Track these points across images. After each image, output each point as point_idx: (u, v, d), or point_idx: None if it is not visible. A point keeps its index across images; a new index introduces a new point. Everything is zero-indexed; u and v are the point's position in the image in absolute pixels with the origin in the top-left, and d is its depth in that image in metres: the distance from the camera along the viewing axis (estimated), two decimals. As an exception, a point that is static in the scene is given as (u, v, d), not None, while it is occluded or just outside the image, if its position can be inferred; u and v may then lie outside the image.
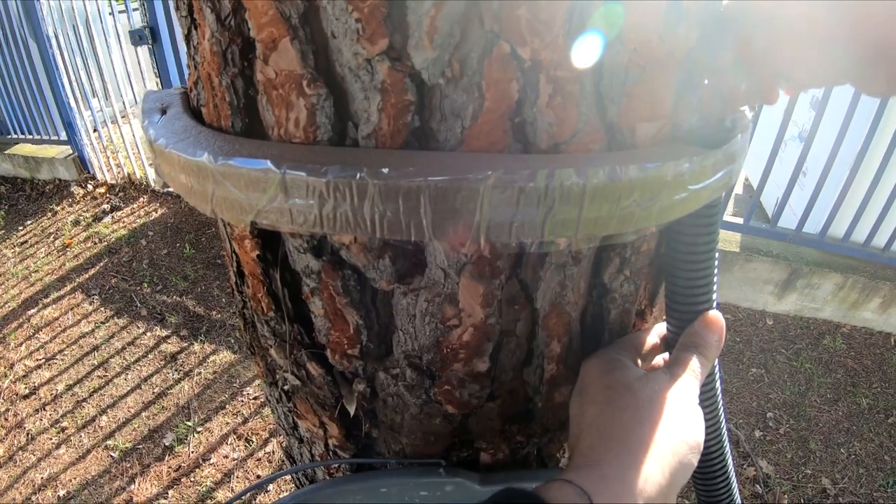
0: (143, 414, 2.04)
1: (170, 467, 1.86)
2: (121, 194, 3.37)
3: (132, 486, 1.81)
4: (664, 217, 0.29)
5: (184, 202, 3.15)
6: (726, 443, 0.43)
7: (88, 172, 3.53)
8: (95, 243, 2.98)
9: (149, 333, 2.37)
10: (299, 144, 0.29)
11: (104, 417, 2.04)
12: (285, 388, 0.45)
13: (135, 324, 2.43)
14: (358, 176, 0.24)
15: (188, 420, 2.00)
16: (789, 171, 2.22)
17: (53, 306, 2.58)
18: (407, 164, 0.24)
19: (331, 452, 0.48)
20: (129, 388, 2.14)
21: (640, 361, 0.39)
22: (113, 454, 1.91)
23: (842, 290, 2.28)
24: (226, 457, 1.89)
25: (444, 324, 0.34)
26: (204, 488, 1.79)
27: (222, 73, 0.30)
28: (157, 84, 2.85)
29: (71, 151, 3.48)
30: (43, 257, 2.95)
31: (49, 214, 3.32)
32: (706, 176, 0.31)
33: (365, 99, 0.27)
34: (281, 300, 0.37)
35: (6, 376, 2.24)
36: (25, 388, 2.18)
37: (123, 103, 3.22)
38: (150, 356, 2.27)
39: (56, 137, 3.50)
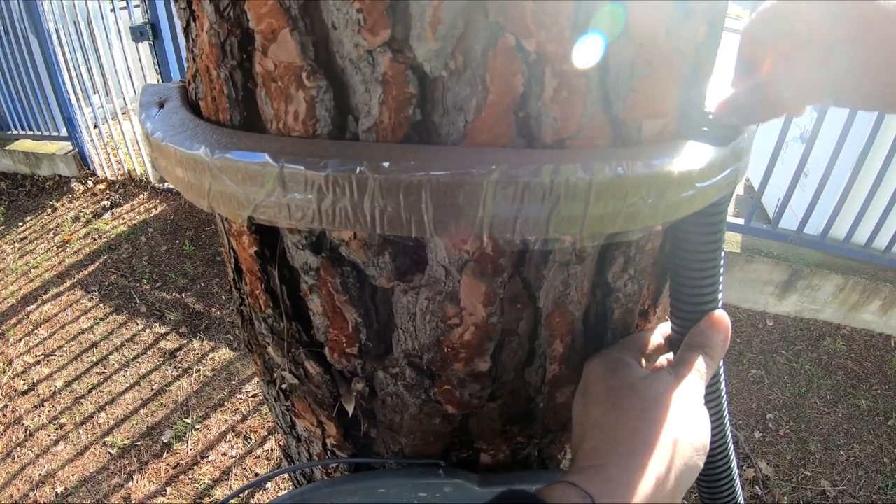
0: (142, 411, 2.04)
1: (168, 464, 1.86)
2: (121, 191, 3.36)
3: (130, 484, 1.81)
4: (671, 215, 0.29)
5: (183, 199, 3.14)
6: (731, 444, 0.42)
7: (88, 169, 3.52)
8: (95, 240, 2.98)
9: (148, 330, 2.37)
10: (298, 138, 0.28)
11: (102, 414, 2.03)
12: (283, 386, 0.44)
13: (134, 320, 2.42)
14: (358, 170, 0.24)
15: (187, 417, 2.00)
16: (791, 172, 2.21)
17: (53, 302, 2.57)
18: (408, 157, 0.24)
19: (329, 452, 0.47)
20: (127, 385, 2.13)
21: (644, 361, 0.39)
22: (111, 451, 1.91)
23: (842, 292, 2.28)
24: (224, 454, 1.88)
25: (445, 322, 0.33)
26: (202, 486, 1.79)
27: (220, 66, 0.30)
28: (158, 80, 2.84)
29: (71, 147, 3.48)
30: (42, 253, 2.94)
31: (49, 210, 3.31)
32: (713, 173, 0.31)
33: (366, 92, 0.26)
34: (279, 297, 0.36)
35: (5, 372, 2.23)
36: (24, 384, 2.18)
37: (124, 99, 3.21)
38: (149, 353, 2.26)
39: (56, 133, 3.49)
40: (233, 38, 0.29)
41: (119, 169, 3.45)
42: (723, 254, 0.36)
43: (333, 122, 0.28)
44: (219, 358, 2.22)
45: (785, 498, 1.76)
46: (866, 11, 0.26)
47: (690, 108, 0.31)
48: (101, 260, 2.82)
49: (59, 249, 2.95)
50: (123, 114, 3.27)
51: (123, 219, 3.12)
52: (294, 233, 0.33)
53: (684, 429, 0.32)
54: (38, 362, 2.27)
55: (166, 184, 3.29)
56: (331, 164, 0.24)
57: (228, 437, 1.93)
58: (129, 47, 2.94)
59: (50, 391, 2.14)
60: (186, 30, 0.34)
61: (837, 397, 2.08)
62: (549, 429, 0.43)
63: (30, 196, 3.51)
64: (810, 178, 2.32)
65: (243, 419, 1.99)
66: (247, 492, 1.74)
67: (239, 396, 2.07)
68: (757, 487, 1.79)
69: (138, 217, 3.12)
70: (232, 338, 2.30)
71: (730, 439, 0.42)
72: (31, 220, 3.26)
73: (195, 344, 2.29)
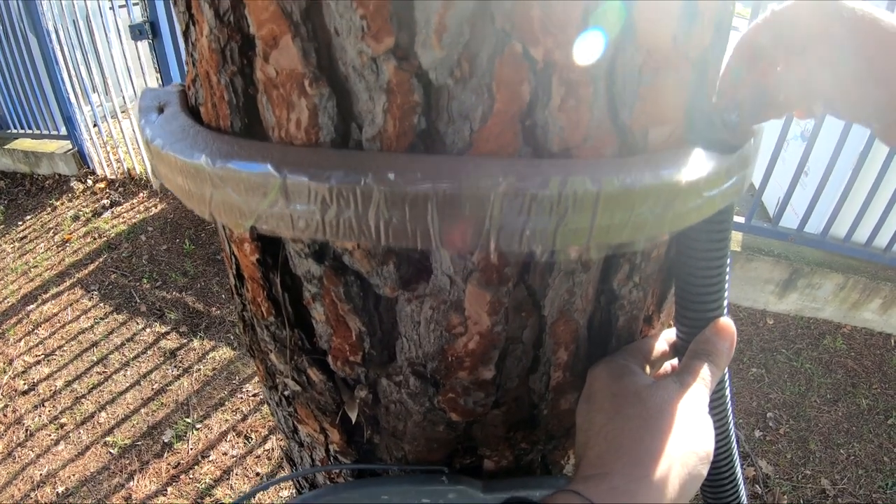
0: (142, 410, 2.04)
1: (169, 464, 1.86)
2: (120, 189, 3.35)
3: (131, 483, 1.81)
4: (677, 224, 0.28)
5: (183, 198, 3.13)
6: (735, 451, 0.42)
7: (88, 167, 3.51)
8: (95, 239, 2.97)
9: (148, 330, 2.37)
10: (301, 147, 0.28)
11: (103, 414, 2.03)
12: (285, 392, 0.44)
13: (134, 320, 2.42)
14: (362, 181, 0.23)
15: (187, 417, 1.99)
16: (791, 170, 2.20)
17: (53, 302, 2.57)
18: (414, 168, 0.23)
19: (332, 457, 0.47)
20: (128, 385, 2.13)
21: (648, 368, 0.39)
22: (112, 451, 1.91)
23: (843, 291, 2.28)
24: (225, 454, 1.88)
25: (450, 331, 0.33)
26: (203, 485, 1.79)
27: (221, 72, 0.29)
28: (158, 79, 2.83)
29: (71, 146, 3.47)
30: (42, 253, 2.94)
31: (48, 209, 3.30)
32: (720, 182, 0.30)
33: (369, 99, 0.26)
34: (281, 305, 0.36)
35: (5, 372, 2.23)
36: (24, 384, 2.18)
37: (123, 98, 3.20)
38: (150, 352, 2.26)
39: (56, 132, 3.48)
40: (233, 43, 0.28)
41: (119, 168, 3.44)
42: (729, 260, 0.36)
43: (336, 131, 0.27)
44: (219, 357, 2.22)
45: (785, 497, 1.76)
46: (862, 19, 0.27)
47: (696, 115, 0.31)
48: (101, 259, 2.82)
49: (59, 248, 2.95)
50: (123, 112, 3.26)
51: (123, 218, 3.12)
52: (297, 241, 0.32)
53: (688, 438, 0.32)
54: (38, 362, 2.27)
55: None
56: (335, 175, 0.24)
57: (229, 436, 1.93)
58: (129, 46, 2.93)
59: (50, 391, 2.14)
60: (186, 34, 0.33)
61: (837, 396, 2.08)
62: (552, 435, 0.43)
63: (29, 195, 3.50)
64: (811, 177, 2.32)
65: (244, 418, 1.99)
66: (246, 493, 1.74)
67: (240, 396, 2.07)
68: (757, 486, 1.79)
69: (138, 216, 3.12)
70: (232, 337, 2.30)
71: (735, 446, 0.42)
72: (31, 219, 3.26)
73: (195, 343, 2.28)
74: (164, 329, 2.36)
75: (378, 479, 0.44)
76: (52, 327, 2.42)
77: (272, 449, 1.89)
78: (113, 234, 2.99)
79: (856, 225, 2.18)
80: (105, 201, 3.26)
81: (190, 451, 1.89)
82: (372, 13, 0.24)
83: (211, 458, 1.87)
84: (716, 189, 0.30)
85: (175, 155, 0.29)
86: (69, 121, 3.33)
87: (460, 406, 0.37)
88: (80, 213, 3.21)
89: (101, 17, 2.90)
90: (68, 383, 2.16)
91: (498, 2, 0.23)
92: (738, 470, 0.42)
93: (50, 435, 1.98)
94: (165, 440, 1.93)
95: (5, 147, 3.61)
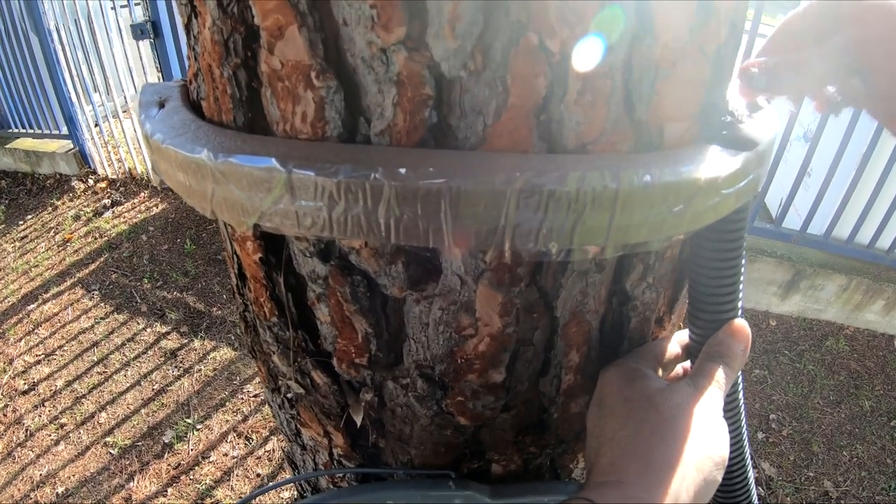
0: (143, 411, 2.03)
1: (169, 465, 1.85)
2: (121, 189, 3.35)
3: (131, 484, 1.80)
4: (695, 223, 0.28)
5: (184, 198, 3.12)
6: (748, 455, 0.41)
7: (89, 167, 3.50)
8: (96, 238, 2.96)
9: (149, 330, 2.36)
10: (307, 141, 0.27)
11: (103, 414, 2.02)
12: (288, 395, 0.43)
13: (135, 320, 2.41)
14: (372, 176, 0.22)
15: (188, 417, 1.99)
16: (794, 171, 2.20)
17: (53, 301, 2.56)
18: (426, 163, 0.22)
19: (335, 461, 0.46)
20: (128, 385, 2.12)
21: (660, 371, 0.38)
22: (112, 451, 1.90)
23: (845, 292, 2.27)
24: (226, 455, 1.87)
25: (459, 333, 0.32)
26: (203, 486, 1.78)
27: (224, 64, 0.28)
28: (159, 78, 2.83)
29: (72, 146, 3.46)
30: (43, 252, 2.93)
31: (49, 209, 3.30)
32: (738, 179, 0.29)
33: (379, 92, 0.25)
34: (285, 305, 0.35)
35: (5, 372, 2.22)
36: (24, 383, 2.17)
37: (125, 98, 3.20)
38: (150, 352, 2.25)
39: (57, 132, 3.48)
40: (237, 35, 0.28)
41: (120, 167, 3.43)
42: (744, 261, 0.35)
43: (344, 125, 0.26)
44: (220, 357, 2.21)
45: (788, 499, 1.75)
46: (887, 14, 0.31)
47: (712, 112, 0.30)
48: (102, 259, 2.81)
49: (60, 248, 2.94)
50: (124, 112, 3.26)
51: (124, 217, 3.11)
52: (301, 240, 0.31)
53: (703, 443, 0.31)
54: (38, 362, 2.26)
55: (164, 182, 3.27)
56: (343, 169, 0.23)
57: (230, 437, 1.92)
58: (130, 45, 2.93)
59: (50, 391, 2.13)
60: (188, 26, 0.32)
61: (840, 398, 2.07)
62: (562, 439, 0.42)
63: (30, 195, 3.50)
64: (814, 178, 2.31)
65: (245, 419, 1.98)
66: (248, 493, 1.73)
67: (240, 396, 2.06)
68: (760, 488, 1.78)
69: (139, 216, 3.11)
70: (233, 337, 2.29)
71: (748, 450, 0.41)
72: (32, 218, 3.25)
73: (196, 343, 2.27)
74: (164, 329, 2.35)
75: (383, 484, 0.43)
76: (53, 327, 2.42)
77: (273, 450, 1.88)
78: (114, 234, 2.98)
79: (859, 226, 2.17)
80: (106, 201, 3.25)
81: (190, 452, 1.88)
82: (382, 2, 0.23)
83: (211, 459, 1.86)
84: (733, 187, 0.29)
85: (175, 149, 0.28)
86: (70, 120, 3.33)
87: (469, 410, 0.36)
88: (81, 212, 3.20)
89: (103, 16, 2.90)
90: (68, 383, 2.15)
91: (514, -10, 0.22)
92: (751, 474, 0.42)
93: (50, 435, 1.97)
94: (166, 441, 1.92)
95: (7, 146, 3.60)
